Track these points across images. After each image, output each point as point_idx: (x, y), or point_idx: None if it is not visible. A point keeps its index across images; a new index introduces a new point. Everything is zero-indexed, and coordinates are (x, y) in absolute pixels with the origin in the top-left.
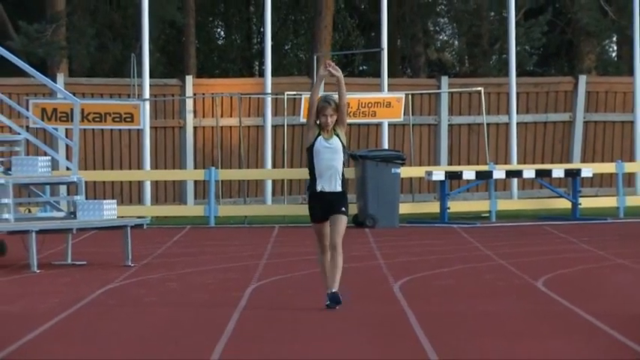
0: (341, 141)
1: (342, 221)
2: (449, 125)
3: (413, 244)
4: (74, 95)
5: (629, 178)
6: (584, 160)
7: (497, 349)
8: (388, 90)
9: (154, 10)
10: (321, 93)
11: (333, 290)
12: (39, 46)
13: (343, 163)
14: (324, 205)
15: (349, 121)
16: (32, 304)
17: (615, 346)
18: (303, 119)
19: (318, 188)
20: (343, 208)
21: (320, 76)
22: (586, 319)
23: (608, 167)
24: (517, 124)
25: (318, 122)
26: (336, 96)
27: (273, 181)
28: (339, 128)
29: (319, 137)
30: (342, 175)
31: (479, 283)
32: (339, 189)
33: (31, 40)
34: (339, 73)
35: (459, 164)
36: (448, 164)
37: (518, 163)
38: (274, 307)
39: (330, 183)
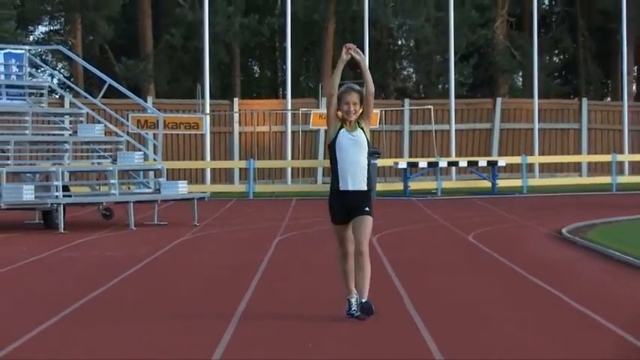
0: (365, 135)
1: (368, 222)
2: (409, 131)
3: (385, 212)
4: (159, 110)
5: (530, 167)
6: (500, 155)
7: (442, 281)
8: None
9: (213, 53)
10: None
11: (364, 300)
12: (133, 75)
13: (368, 160)
14: (345, 206)
15: None
16: (131, 250)
17: (516, 277)
18: (311, 126)
19: (342, 187)
20: (367, 208)
21: (342, 60)
22: (500, 261)
23: (516, 159)
24: (455, 130)
25: (339, 114)
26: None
27: (292, 168)
28: (363, 122)
29: (341, 130)
30: (368, 172)
31: (430, 237)
32: (364, 187)
33: (128, 70)
34: (360, 57)
35: (417, 157)
36: (409, 157)
37: (456, 156)
38: (293, 253)
39: (355, 181)
